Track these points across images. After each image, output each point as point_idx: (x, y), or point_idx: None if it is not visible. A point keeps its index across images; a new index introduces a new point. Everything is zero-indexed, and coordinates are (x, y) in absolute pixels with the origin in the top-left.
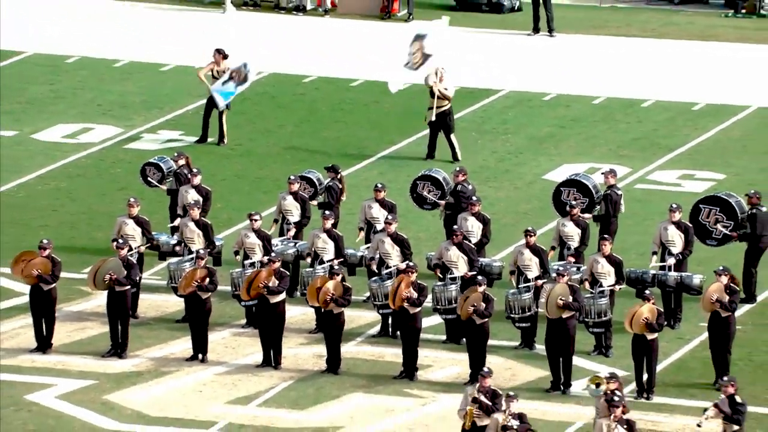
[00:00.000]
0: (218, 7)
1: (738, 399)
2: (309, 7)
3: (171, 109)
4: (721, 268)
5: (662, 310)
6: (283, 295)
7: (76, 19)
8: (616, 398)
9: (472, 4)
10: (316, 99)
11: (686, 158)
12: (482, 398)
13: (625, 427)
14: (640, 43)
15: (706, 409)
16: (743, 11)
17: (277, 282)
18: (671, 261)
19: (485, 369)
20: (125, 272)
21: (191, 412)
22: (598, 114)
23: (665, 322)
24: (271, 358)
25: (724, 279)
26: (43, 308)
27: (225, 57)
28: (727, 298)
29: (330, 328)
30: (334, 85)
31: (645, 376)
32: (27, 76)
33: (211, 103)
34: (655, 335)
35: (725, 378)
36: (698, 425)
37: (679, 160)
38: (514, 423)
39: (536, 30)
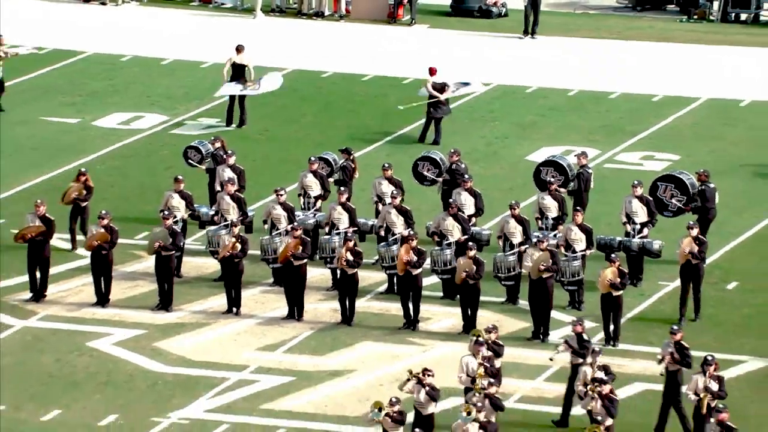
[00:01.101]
0: (249, 13)
1: (585, 336)
2: (326, 13)
3: (209, 100)
4: (691, 222)
5: (626, 271)
6: (305, 259)
7: (128, 23)
8: (710, 357)
9: (465, 11)
10: (333, 92)
11: (647, 142)
12: (487, 364)
13: (716, 381)
14: (608, 44)
15: (557, 346)
16: (695, 17)
17: (301, 249)
18: (646, 231)
19: (480, 339)
20: (171, 239)
21: (227, 357)
22: (572, 104)
23: (628, 282)
24: (295, 312)
25: (694, 231)
26: (102, 269)
27: (239, 51)
28: (696, 248)
29: (345, 287)
30: (348, 80)
31: (611, 327)
32: (88, 73)
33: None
34: (620, 292)
35: (575, 319)
36: (550, 359)
37: (641, 143)
38: (601, 374)
39: (526, 33)
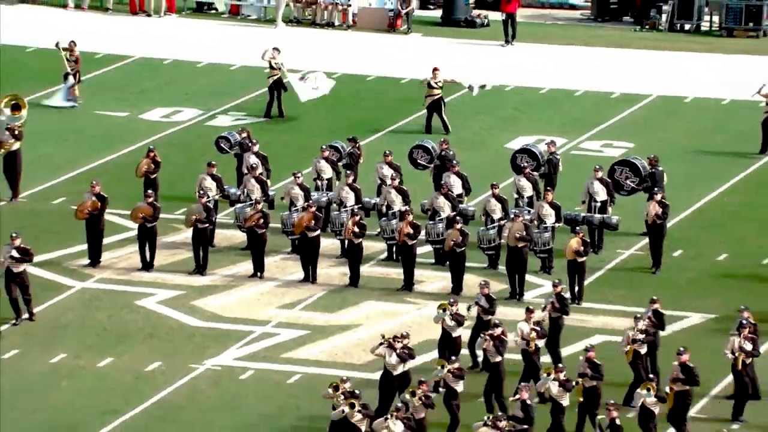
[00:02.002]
0: (271, 23)
1: (492, 296)
2: (336, 23)
3: (237, 97)
4: (655, 189)
5: (588, 241)
6: (318, 231)
7: (169, 33)
8: (744, 321)
9: (453, 21)
10: (342, 90)
11: (606, 132)
12: (537, 328)
13: (750, 342)
14: (574, 49)
15: (469, 307)
16: (647, 27)
17: (314, 222)
18: (610, 209)
19: (529, 307)
20: (206, 214)
21: (253, 314)
22: (544, 100)
23: (591, 250)
24: (309, 276)
25: (658, 196)
26: (147, 239)
27: (277, 51)
28: (660, 210)
29: (352, 254)
30: (355, 80)
31: (576, 288)
32: (136, 74)
33: (278, 87)
34: (584, 259)
35: (482, 282)
36: (469, 309)
37: (601, 133)
38: (641, 336)
39: (507, 42)
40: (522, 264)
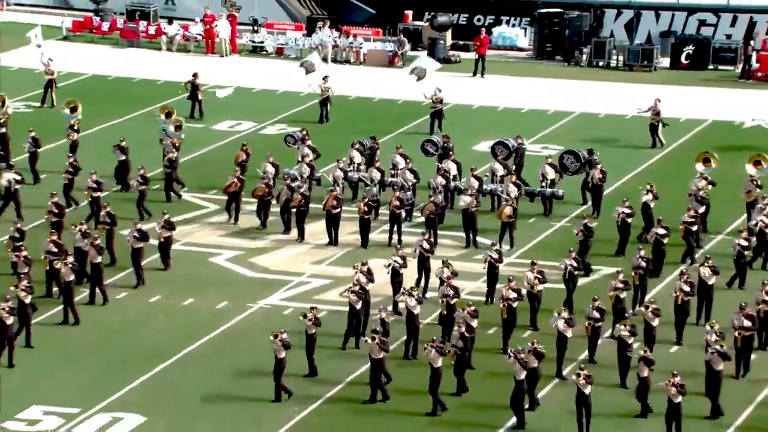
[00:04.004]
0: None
1: (432, 243)
2: (352, 60)
3: (281, 113)
4: (597, 159)
5: (516, 207)
6: (340, 208)
7: (232, 67)
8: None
9: (435, 59)
10: (357, 107)
11: (544, 138)
12: (540, 276)
13: (688, 285)
14: (520, 79)
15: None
16: (572, 63)
17: (335, 202)
18: (559, 189)
19: (533, 261)
20: (290, 192)
21: (292, 268)
22: (499, 116)
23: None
24: (333, 240)
25: (599, 166)
26: (264, 208)
27: (325, 79)
28: (601, 175)
29: (362, 225)
30: (365, 101)
31: (510, 242)
32: (209, 97)
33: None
34: (513, 220)
35: (423, 231)
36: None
37: (540, 139)
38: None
39: (475, 74)
40: (473, 223)
